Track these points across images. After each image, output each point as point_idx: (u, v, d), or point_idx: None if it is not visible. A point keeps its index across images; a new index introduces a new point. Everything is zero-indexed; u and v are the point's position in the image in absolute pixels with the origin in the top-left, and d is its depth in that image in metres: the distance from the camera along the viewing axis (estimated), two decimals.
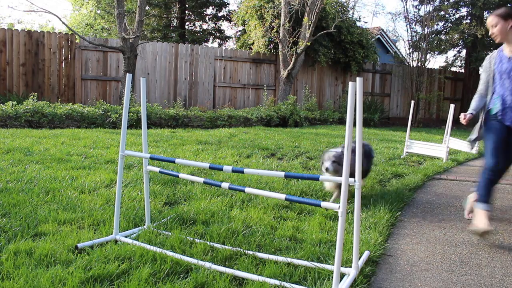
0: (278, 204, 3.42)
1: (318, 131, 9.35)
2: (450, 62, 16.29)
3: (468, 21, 14.98)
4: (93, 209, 3.12)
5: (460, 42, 15.24)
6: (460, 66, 16.72)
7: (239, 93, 12.77)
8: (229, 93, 12.66)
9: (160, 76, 11.78)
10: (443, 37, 15.26)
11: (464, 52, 16.18)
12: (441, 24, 15.74)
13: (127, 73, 2.78)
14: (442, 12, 15.00)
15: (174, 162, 2.52)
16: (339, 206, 1.90)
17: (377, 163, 5.61)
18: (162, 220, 2.96)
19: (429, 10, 14.48)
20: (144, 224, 2.92)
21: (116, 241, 2.63)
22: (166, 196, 3.53)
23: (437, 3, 15.11)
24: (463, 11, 15.60)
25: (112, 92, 11.31)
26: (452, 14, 15.58)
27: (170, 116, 9.00)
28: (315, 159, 5.74)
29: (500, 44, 3.23)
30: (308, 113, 11.41)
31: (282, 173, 2.16)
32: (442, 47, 14.67)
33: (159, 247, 2.48)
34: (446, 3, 15.12)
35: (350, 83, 2.00)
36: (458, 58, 16.49)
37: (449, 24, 15.60)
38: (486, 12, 15.32)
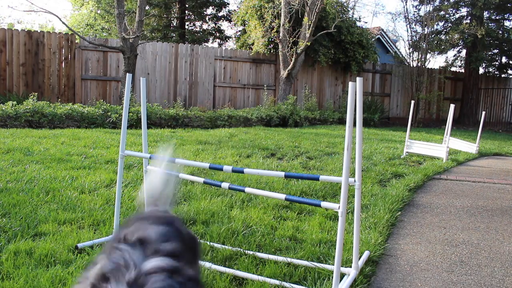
0: (278, 204, 3.42)
1: (318, 131, 9.35)
2: (450, 62, 16.29)
3: (468, 21, 14.98)
4: (93, 209, 3.12)
5: (460, 42, 15.24)
6: (460, 66, 16.72)
7: (239, 93, 12.77)
8: (229, 93, 12.66)
9: (160, 76, 11.78)
10: (443, 37, 15.26)
11: (464, 52, 16.18)
12: (441, 24, 15.74)
13: (127, 73, 2.78)
14: (442, 12, 15.00)
15: (174, 162, 2.52)
16: (339, 206, 1.90)
17: (377, 163, 5.61)
18: None
19: (429, 10, 14.48)
20: None
21: None
22: None
23: (437, 3, 15.11)
24: (463, 11, 15.60)
25: (112, 92, 11.30)
26: (452, 14, 15.58)
27: (170, 116, 9.00)
28: (315, 159, 5.74)
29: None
30: (308, 113, 11.40)
31: (282, 173, 2.16)
32: (442, 47, 14.67)
33: None
34: (446, 3, 15.12)
35: (350, 83, 2.00)
36: (458, 58, 16.49)
37: (449, 24, 15.60)
38: (486, 12, 15.33)
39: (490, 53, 16.12)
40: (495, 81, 16.87)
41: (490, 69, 16.84)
